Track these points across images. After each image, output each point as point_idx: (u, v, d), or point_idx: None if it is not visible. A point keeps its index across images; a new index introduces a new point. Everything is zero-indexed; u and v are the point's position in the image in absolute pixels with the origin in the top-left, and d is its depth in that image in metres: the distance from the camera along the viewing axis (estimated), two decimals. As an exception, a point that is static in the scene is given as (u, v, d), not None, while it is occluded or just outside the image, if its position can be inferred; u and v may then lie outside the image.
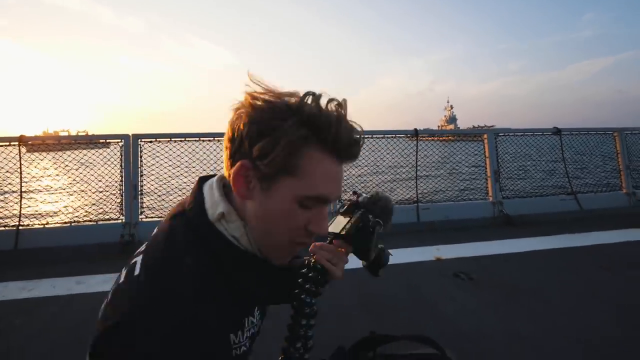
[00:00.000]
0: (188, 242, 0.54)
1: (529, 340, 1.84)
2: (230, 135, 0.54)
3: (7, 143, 3.57)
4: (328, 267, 0.68)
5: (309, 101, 0.52)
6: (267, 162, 0.51)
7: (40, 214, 4.03)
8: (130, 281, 0.51)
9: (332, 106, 0.53)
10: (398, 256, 3.03)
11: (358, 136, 0.55)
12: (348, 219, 0.76)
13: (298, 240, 0.58)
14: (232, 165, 0.54)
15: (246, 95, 0.54)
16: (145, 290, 0.48)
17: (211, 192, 0.58)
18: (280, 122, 0.51)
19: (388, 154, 4.48)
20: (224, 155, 0.57)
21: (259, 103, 0.53)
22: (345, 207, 0.81)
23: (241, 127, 0.52)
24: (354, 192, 0.82)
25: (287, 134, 0.50)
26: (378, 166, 4.54)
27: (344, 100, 0.55)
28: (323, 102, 0.53)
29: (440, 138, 5.35)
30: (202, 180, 0.63)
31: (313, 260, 0.69)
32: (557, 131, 4.74)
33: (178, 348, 0.44)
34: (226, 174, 0.57)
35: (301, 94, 0.53)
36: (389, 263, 0.83)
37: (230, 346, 0.54)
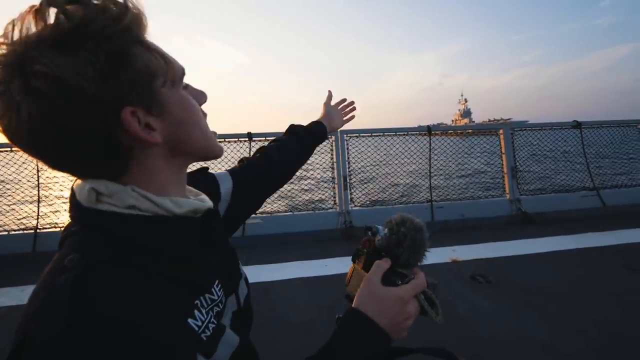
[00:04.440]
0: (74, 244, 0.44)
1: (549, 347, 1.77)
2: None
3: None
4: None
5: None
6: None
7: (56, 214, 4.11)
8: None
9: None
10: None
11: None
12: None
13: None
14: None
15: None
16: (18, 326, 0.38)
17: (77, 182, 0.49)
18: None
19: (400, 151, 4.40)
20: None
21: None
22: (361, 254, 0.64)
23: None
24: (367, 228, 0.66)
25: None
26: (390, 165, 4.47)
27: None
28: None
29: (455, 134, 5.20)
30: None
31: None
32: (577, 125, 4.56)
33: None
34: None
35: None
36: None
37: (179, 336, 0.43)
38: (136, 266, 0.43)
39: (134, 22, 0.43)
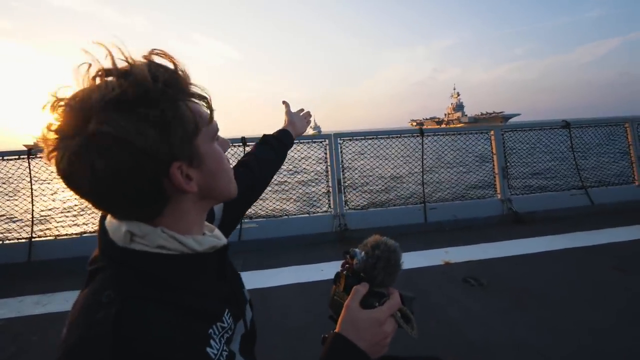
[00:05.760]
0: (107, 280, 0.48)
1: (540, 350, 1.83)
2: None
3: (17, 157, 3.62)
4: None
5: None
6: None
7: (51, 219, 4.10)
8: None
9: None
10: (405, 261, 3.00)
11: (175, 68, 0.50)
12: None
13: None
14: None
15: None
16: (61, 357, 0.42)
17: (110, 220, 0.53)
18: None
19: (393, 152, 4.44)
20: None
21: None
22: (341, 278, 0.69)
23: None
24: (346, 252, 0.70)
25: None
26: (383, 167, 4.50)
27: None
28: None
29: (446, 134, 5.22)
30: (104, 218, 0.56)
31: None
32: (566, 125, 4.64)
33: None
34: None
35: None
36: None
37: None
38: (165, 301, 0.48)
39: (187, 90, 0.50)
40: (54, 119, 0.45)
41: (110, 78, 0.45)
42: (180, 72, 0.49)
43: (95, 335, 0.42)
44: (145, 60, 0.48)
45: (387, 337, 0.62)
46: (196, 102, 0.52)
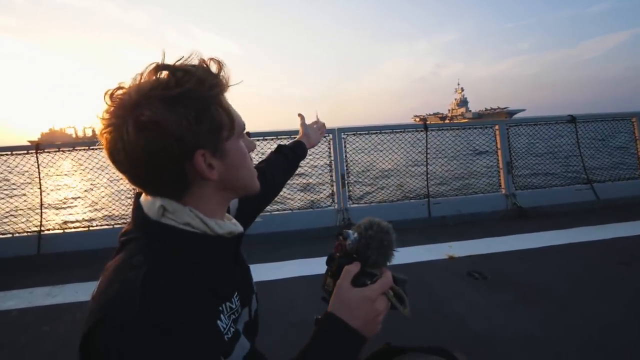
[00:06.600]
0: (138, 247, 0.55)
1: (545, 343, 1.84)
2: None
3: (25, 152, 3.68)
4: None
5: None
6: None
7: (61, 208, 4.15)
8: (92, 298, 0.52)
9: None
10: (409, 255, 3.03)
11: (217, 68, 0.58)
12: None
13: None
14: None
15: None
16: (95, 307, 0.48)
17: (145, 198, 0.60)
18: None
19: (396, 147, 4.43)
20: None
21: None
22: (334, 260, 0.69)
23: None
24: (339, 233, 0.70)
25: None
26: (385, 162, 4.50)
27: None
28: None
29: (451, 129, 5.20)
30: (139, 196, 0.63)
31: None
32: (571, 119, 4.61)
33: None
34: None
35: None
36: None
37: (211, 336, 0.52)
38: (185, 272, 0.54)
39: (221, 91, 0.58)
40: (111, 103, 0.53)
41: (164, 74, 0.54)
42: (221, 77, 0.57)
43: (126, 292, 0.48)
44: (198, 63, 0.56)
45: (379, 315, 0.63)
46: (228, 103, 0.60)
